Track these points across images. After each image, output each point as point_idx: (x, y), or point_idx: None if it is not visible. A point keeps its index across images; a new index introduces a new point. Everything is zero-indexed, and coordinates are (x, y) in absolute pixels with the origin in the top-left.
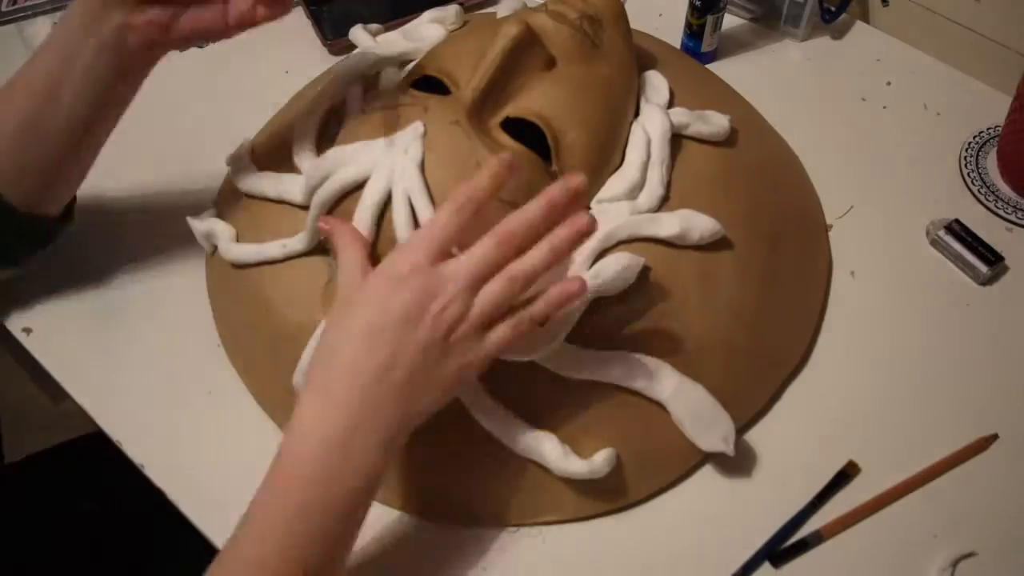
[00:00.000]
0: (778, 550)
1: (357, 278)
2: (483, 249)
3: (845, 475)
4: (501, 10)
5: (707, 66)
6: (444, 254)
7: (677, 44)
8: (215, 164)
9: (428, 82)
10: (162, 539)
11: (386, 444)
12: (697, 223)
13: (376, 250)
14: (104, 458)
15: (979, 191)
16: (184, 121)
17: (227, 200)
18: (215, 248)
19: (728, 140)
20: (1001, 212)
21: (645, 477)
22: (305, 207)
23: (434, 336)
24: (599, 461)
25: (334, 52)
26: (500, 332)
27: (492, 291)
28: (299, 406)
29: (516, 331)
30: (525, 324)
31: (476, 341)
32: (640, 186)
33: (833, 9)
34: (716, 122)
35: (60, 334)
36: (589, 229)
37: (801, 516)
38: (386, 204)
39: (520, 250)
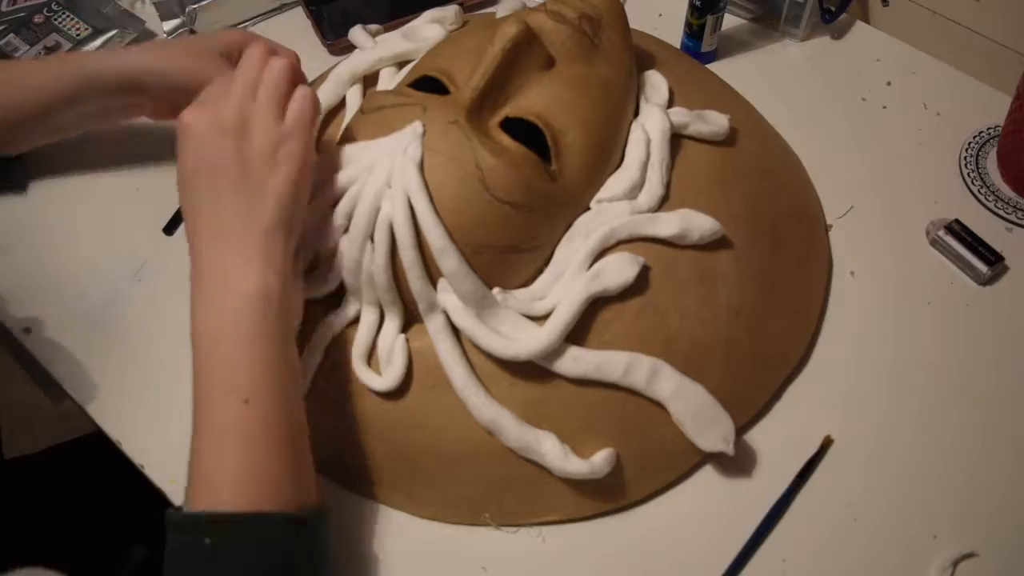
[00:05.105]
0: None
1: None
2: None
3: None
4: (500, 10)
5: (707, 66)
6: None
7: (677, 44)
8: None
9: (427, 82)
10: (162, 538)
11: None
12: (697, 223)
13: (372, 250)
14: (104, 458)
15: (979, 191)
16: None
17: None
18: None
19: (728, 140)
20: (1001, 212)
21: (645, 477)
22: None
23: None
24: (599, 461)
25: (334, 52)
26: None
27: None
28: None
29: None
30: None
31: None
32: (640, 186)
33: (833, 9)
34: (716, 121)
35: (60, 334)
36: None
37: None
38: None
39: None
